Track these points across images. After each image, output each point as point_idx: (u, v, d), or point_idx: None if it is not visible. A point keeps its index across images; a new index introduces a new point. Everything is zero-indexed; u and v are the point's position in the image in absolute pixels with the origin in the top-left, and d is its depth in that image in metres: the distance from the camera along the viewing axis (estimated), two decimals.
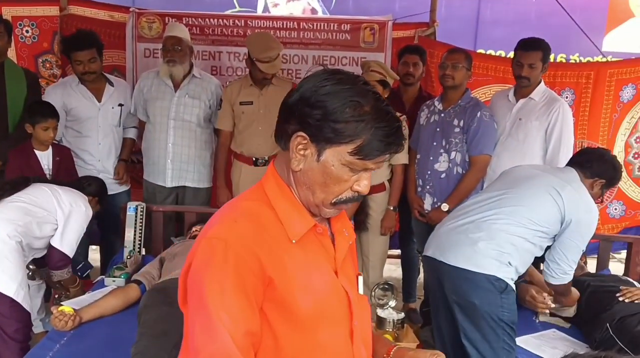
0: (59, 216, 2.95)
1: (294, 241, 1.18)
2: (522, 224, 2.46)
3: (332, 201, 1.19)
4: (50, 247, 2.98)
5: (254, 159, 3.73)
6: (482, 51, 5.23)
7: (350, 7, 5.69)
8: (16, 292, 2.70)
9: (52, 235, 2.97)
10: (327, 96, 1.12)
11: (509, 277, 2.45)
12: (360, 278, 1.36)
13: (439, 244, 2.58)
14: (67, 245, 2.98)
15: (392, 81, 3.46)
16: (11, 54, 4.06)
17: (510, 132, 3.45)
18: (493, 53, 5.40)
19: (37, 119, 3.31)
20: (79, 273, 3.32)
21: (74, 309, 2.60)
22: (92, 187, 3.33)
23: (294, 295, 1.15)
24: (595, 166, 2.64)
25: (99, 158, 3.79)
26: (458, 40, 4.49)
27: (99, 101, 3.78)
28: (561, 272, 2.57)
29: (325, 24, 4.47)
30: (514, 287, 2.49)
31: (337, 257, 1.26)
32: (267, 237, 1.15)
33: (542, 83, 3.46)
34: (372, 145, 1.13)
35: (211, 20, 4.49)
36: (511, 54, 3.71)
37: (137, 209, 3.41)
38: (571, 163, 2.74)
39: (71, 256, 3.02)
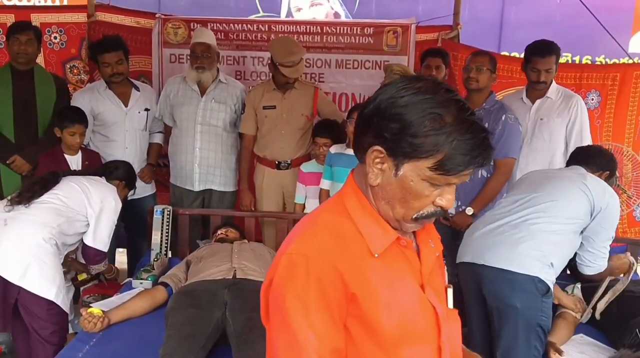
0: (89, 214, 2.95)
1: (376, 255, 1.12)
2: (559, 221, 2.48)
3: (413, 216, 1.12)
4: (84, 245, 3.00)
5: (276, 162, 3.77)
6: (507, 53, 5.20)
7: (373, 10, 5.70)
8: (56, 295, 2.71)
9: (84, 231, 2.99)
10: (405, 108, 1.05)
11: (550, 279, 2.44)
12: (450, 291, 1.29)
13: (476, 249, 2.57)
14: (101, 241, 3.01)
15: None
16: (40, 60, 4.14)
17: (534, 133, 3.52)
18: (517, 55, 5.34)
19: (65, 124, 3.38)
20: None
21: (102, 311, 2.64)
22: (118, 171, 3.32)
23: (378, 311, 1.10)
24: (598, 160, 2.78)
25: None
26: (482, 43, 4.47)
27: (126, 106, 3.84)
28: (596, 259, 2.61)
29: (348, 28, 4.48)
30: (553, 291, 2.48)
31: (423, 270, 1.19)
32: (349, 251, 1.10)
33: (554, 81, 3.57)
34: (454, 159, 1.05)
35: (235, 25, 4.52)
36: None
37: (163, 212, 3.46)
38: (575, 161, 2.81)
39: (106, 250, 3.05)
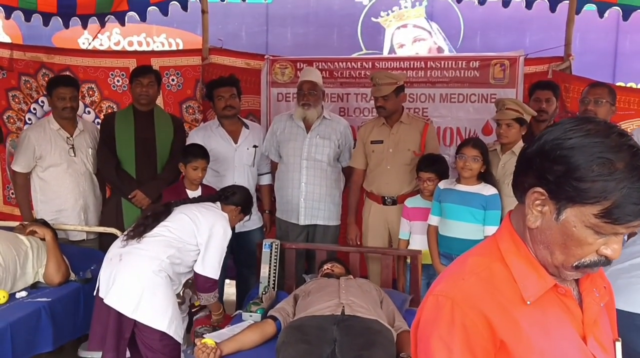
0: (199, 242, 2.99)
1: (528, 302, 1.07)
2: None
3: (574, 264, 1.06)
4: (195, 273, 3.04)
5: (382, 197, 3.76)
6: (622, 84, 4.94)
7: (478, 44, 5.63)
8: (168, 326, 2.77)
9: (196, 260, 3.03)
10: (572, 151, 1.00)
11: None
12: (618, 345, 1.21)
13: None
14: (210, 268, 3.02)
15: (528, 118, 3.36)
16: (159, 100, 4.43)
17: None
18: (634, 86, 5.08)
19: (189, 159, 3.56)
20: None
21: (215, 342, 2.71)
22: (235, 197, 3.31)
23: None
24: None
25: None
26: (595, 74, 4.29)
27: (236, 143, 4.00)
28: None
29: (453, 62, 4.44)
30: None
31: (586, 321, 1.12)
32: (499, 297, 1.07)
33: None
34: (624, 208, 0.98)
35: (340, 63, 4.62)
36: None
37: (272, 246, 3.54)
38: None
39: (216, 278, 3.05)
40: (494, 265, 1.11)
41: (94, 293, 2.93)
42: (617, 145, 0.99)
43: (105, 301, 2.77)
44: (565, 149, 1.01)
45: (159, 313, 2.77)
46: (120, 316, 2.76)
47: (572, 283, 1.15)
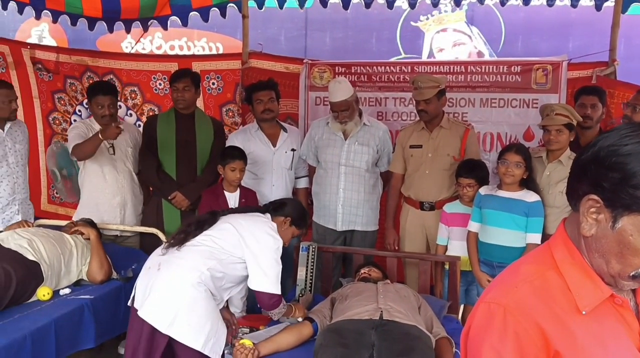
0: (246, 255, 2.84)
1: (584, 312, 1.05)
2: None
3: (631, 274, 1.03)
4: (255, 292, 2.87)
5: (420, 202, 3.74)
6: None
7: (519, 48, 5.56)
8: (204, 345, 2.64)
9: (244, 274, 2.89)
10: (628, 157, 0.97)
11: None
12: None
13: None
14: (268, 283, 2.83)
15: (575, 123, 3.30)
16: (200, 103, 4.50)
17: None
18: None
19: (227, 161, 3.60)
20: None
21: (253, 343, 2.73)
22: (285, 208, 3.15)
23: None
24: None
25: (273, 199, 4.00)
26: None
27: (274, 146, 4.03)
28: None
29: (494, 67, 4.39)
30: None
31: None
32: (553, 306, 1.05)
33: None
34: None
35: (378, 68, 4.61)
36: None
37: (309, 249, 3.54)
38: None
39: (278, 292, 2.86)
40: (548, 273, 1.09)
41: (129, 304, 2.85)
42: None
43: (139, 314, 2.66)
44: (621, 156, 0.98)
45: (195, 330, 2.64)
46: (153, 330, 2.63)
47: (629, 293, 1.12)
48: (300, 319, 2.97)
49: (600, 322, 1.06)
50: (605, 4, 4.28)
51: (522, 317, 1.04)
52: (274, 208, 3.14)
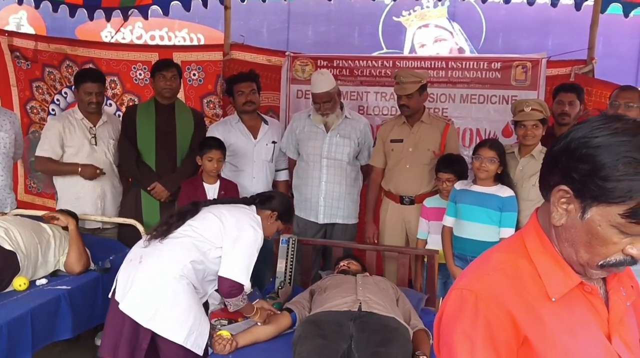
0: (225, 243, 2.76)
1: (553, 299, 1.07)
2: None
3: (599, 263, 1.05)
4: (219, 277, 2.76)
5: (400, 196, 3.76)
6: None
7: (500, 45, 5.61)
8: (186, 338, 2.60)
9: None
10: (597, 149, 0.99)
11: None
12: None
13: None
14: (235, 271, 2.74)
15: (547, 117, 3.36)
16: (180, 94, 4.46)
17: None
18: None
19: (204, 151, 3.60)
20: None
21: (231, 334, 2.73)
22: (272, 201, 3.08)
23: (554, 356, 1.06)
24: None
25: (252, 191, 4.00)
26: (618, 78, 4.27)
27: (255, 138, 4.02)
28: None
29: (474, 63, 4.43)
30: None
31: (611, 320, 1.12)
32: (524, 293, 1.07)
33: None
34: None
35: (360, 62, 4.62)
36: None
37: (289, 241, 3.55)
38: None
39: (244, 283, 2.75)
40: (519, 261, 1.11)
41: (109, 295, 2.79)
42: None
43: (120, 307, 2.60)
44: (591, 148, 1.00)
45: (177, 323, 2.59)
46: (136, 324, 2.59)
47: (599, 281, 1.15)
48: (259, 323, 2.87)
49: (569, 309, 1.08)
50: (585, 4, 4.34)
51: (494, 303, 1.06)
52: (261, 201, 3.08)
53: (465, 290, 1.10)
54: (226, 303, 2.82)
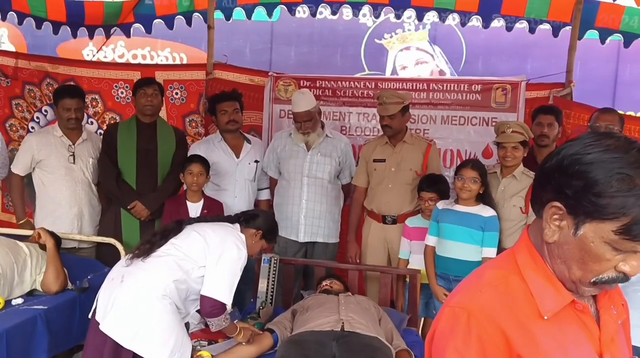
0: (208, 262, 2.70)
1: (545, 317, 1.07)
2: None
3: (591, 280, 1.05)
4: (201, 296, 2.70)
5: (383, 216, 3.77)
6: (622, 112, 4.99)
7: (480, 68, 5.70)
8: None
9: None
10: (590, 166, 0.99)
11: None
12: None
13: None
14: (217, 290, 2.67)
15: (529, 139, 3.40)
16: (162, 113, 4.46)
17: None
18: (633, 114, 5.14)
19: (185, 165, 3.60)
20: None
21: (211, 355, 2.69)
22: (257, 220, 3.02)
23: None
24: None
25: (235, 210, 3.97)
26: (595, 101, 4.36)
27: (237, 157, 4.01)
28: None
29: (455, 85, 4.49)
30: None
31: (603, 338, 1.11)
32: (516, 310, 1.07)
33: None
34: None
35: (343, 82, 4.66)
36: None
37: (270, 261, 3.52)
38: None
39: (226, 302, 2.69)
40: (511, 278, 1.10)
41: (89, 315, 2.72)
42: (636, 161, 0.98)
43: (101, 327, 2.55)
44: (584, 164, 1.00)
45: (159, 344, 2.54)
46: (117, 345, 2.53)
47: (590, 299, 1.15)
48: (243, 343, 2.81)
49: (561, 327, 1.08)
50: (563, 30, 4.44)
51: (486, 321, 1.05)
52: (245, 220, 3.02)
53: (457, 308, 1.09)
54: (208, 323, 2.74)
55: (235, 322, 2.86)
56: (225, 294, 2.68)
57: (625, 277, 1.04)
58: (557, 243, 1.07)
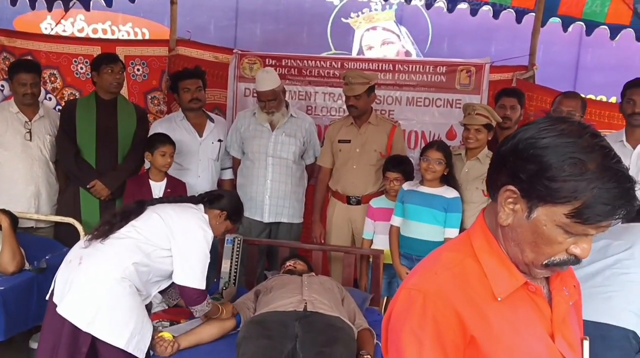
0: (173, 248, 2.64)
1: (499, 299, 1.08)
2: None
3: (543, 262, 1.07)
4: (178, 287, 2.68)
5: (347, 197, 3.77)
6: (582, 96, 5.10)
7: (445, 50, 5.72)
8: (127, 342, 2.47)
9: (169, 269, 2.68)
10: (544, 150, 1.00)
11: None
12: (586, 344, 1.21)
13: None
14: (193, 277, 2.63)
15: (494, 123, 3.42)
16: (123, 90, 4.33)
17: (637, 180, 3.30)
18: (593, 98, 5.24)
19: (157, 146, 3.52)
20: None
21: (173, 335, 2.67)
22: (222, 200, 2.93)
23: (499, 356, 1.07)
24: None
25: (198, 190, 3.92)
26: (557, 85, 4.44)
27: (200, 136, 3.96)
28: None
29: (421, 66, 4.50)
30: None
31: (554, 319, 1.13)
32: (471, 292, 1.08)
33: None
34: (594, 208, 0.99)
35: (308, 62, 4.62)
36: (613, 99, 3.60)
37: (234, 241, 3.49)
38: None
39: (203, 287, 2.66)
40: (466, 261, 1.12)
41: (47, 297, 2.63)
42: (589, 146, 1.00)
43: (58, 310, 2.47)
44: (538, 148, 1.01)
45: (118, 327, 2.47)
46: (75, 328, 2.46)
47: (543, 281, 1.17)
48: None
49: (514, 308, 1.10)
50: (526, 16, 4.48)
51: (441, 303, 1.06)
52: (210, 200, 2.92)
53: (413, 290, 1.10)
54: (192, 310, 2.72)
55: (209, 301, 2.81)
56: (200, 281, 2.66)
57: (576, 260, 1.06)
58: (511, 226, 1.08)
